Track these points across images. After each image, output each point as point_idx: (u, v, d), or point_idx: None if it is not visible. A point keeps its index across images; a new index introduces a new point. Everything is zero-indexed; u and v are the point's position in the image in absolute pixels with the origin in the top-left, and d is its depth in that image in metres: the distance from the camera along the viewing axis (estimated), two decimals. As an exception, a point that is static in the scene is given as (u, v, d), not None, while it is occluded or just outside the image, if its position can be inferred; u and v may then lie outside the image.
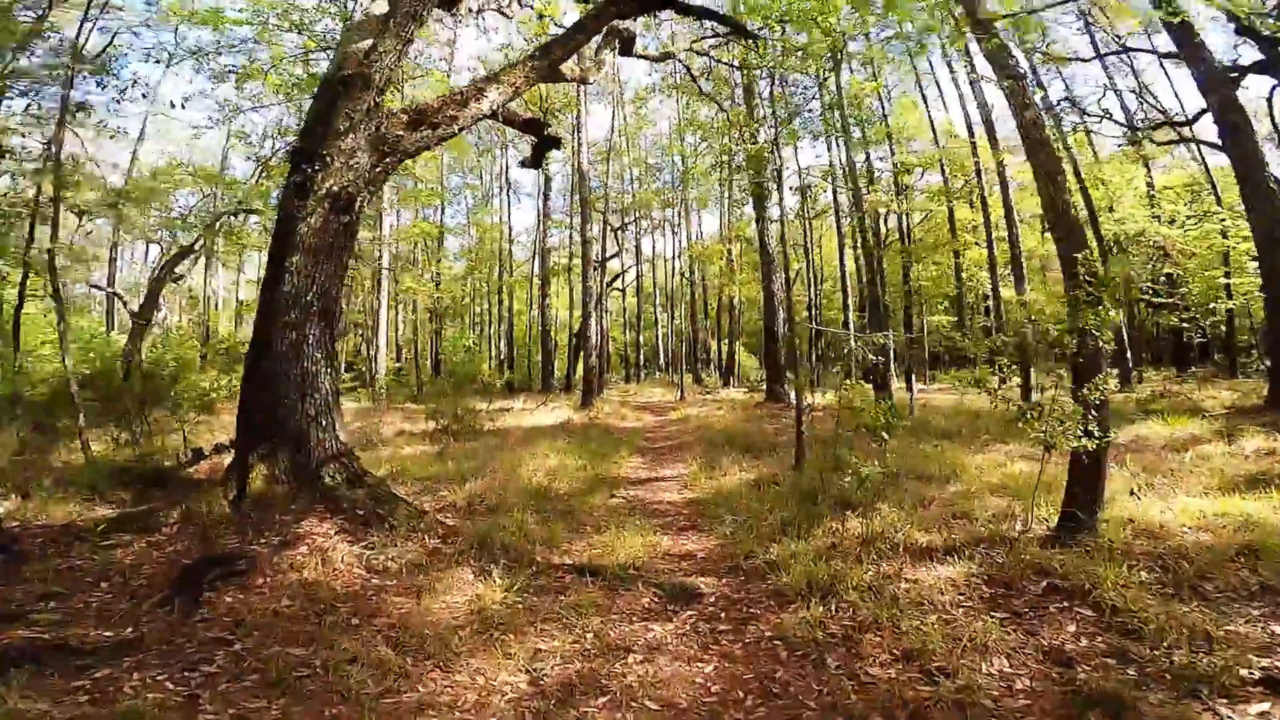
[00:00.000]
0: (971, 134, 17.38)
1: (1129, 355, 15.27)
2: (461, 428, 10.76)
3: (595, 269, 23.55)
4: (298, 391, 4.99)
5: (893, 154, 21.11)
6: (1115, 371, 7.86)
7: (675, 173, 25.61)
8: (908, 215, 25.14)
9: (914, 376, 12.14)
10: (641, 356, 33.70)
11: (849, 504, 5.10)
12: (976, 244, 20.36)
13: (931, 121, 22.02)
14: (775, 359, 16.19)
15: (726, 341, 29.92)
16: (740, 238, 28.98)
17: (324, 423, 5.11)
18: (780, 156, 15.09)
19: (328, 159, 5.28)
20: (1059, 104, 15.98)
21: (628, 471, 8.10)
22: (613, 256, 32.41)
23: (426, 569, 4.15)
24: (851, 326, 13.52)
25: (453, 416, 10.81)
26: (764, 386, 20.50)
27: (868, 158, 11.33)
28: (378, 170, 5.75)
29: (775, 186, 14.96)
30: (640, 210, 29.21)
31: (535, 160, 9.17)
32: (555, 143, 8.79)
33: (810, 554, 4.14)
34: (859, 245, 16.15)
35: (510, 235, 27.04)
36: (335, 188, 5.26)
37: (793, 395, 16.92)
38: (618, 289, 32.42)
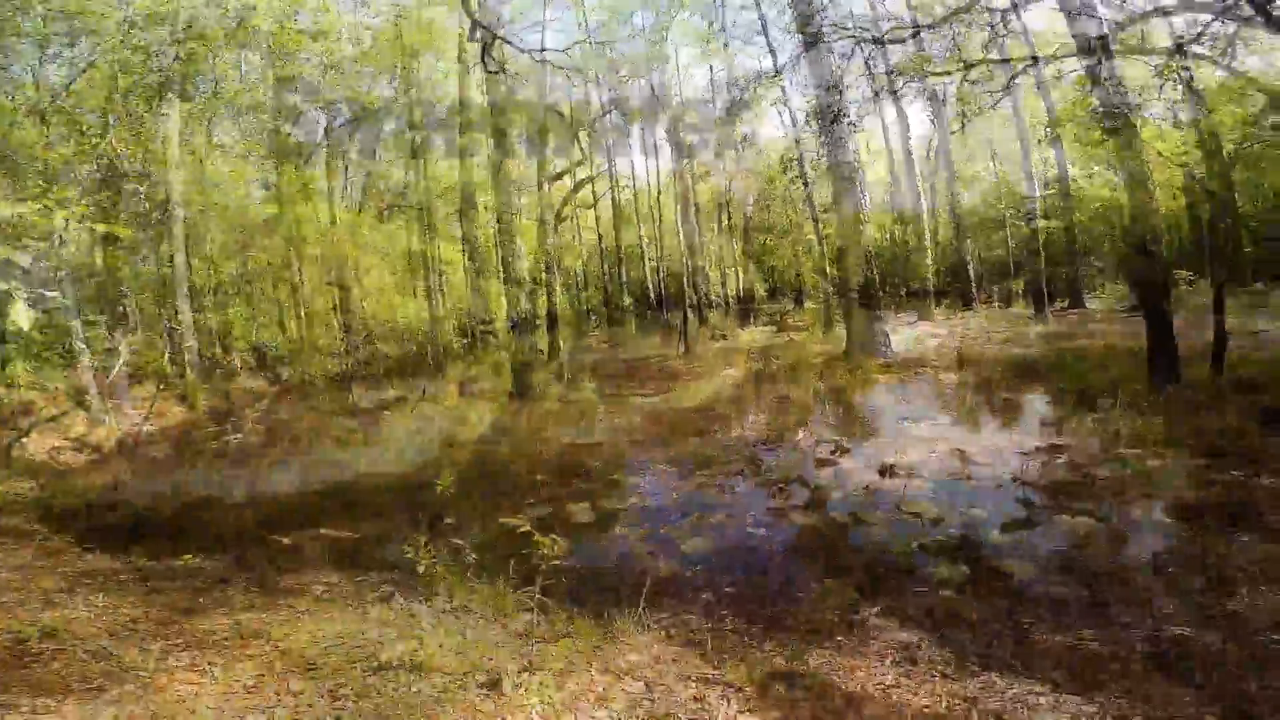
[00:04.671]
0: None
1: None
2: None
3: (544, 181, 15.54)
4: None
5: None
6: None
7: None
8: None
9: None
10: (626, 297, 25.94)
11: None
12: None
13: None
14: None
15: (737, 267, 22.14)
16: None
17: None
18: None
19: None
20: None
21: None
22: (579, 163, 24.02)
23: None
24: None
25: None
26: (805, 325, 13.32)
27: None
28: None
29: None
30: (605, 77, 20.42)
31: None
32: None
33: None
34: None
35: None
36: None
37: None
38: (584, 206, 24.20)
